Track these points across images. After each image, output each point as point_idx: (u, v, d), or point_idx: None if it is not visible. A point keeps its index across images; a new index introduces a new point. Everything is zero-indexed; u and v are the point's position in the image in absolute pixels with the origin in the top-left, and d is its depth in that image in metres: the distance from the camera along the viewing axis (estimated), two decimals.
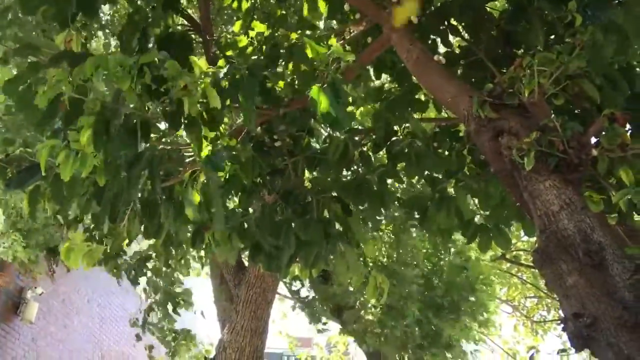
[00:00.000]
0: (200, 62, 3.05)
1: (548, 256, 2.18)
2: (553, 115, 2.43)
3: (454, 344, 9.44)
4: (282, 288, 10.15)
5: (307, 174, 4.63)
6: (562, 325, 2.24)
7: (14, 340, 8.66)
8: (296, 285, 9.93)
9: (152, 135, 3.47)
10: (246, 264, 7.34)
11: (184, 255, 6.85)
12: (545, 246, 2.20)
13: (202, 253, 7.09)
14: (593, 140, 2.42)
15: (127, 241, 4.24)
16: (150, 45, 3.43)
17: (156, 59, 2.93)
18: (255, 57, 3.89)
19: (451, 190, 4.33)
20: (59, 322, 9.88)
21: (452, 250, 9.39)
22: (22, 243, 7.20)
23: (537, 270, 9.19)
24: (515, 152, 2.33)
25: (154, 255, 7.32)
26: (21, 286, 8.65)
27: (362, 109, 4.34)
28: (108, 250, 4.10)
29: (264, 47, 3.85)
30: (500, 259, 8.97)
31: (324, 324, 10.59)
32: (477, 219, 4.40)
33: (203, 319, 10.27)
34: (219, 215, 3.18)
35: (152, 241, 6.88)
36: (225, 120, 4.30)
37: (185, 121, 3.01)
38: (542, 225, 2.23)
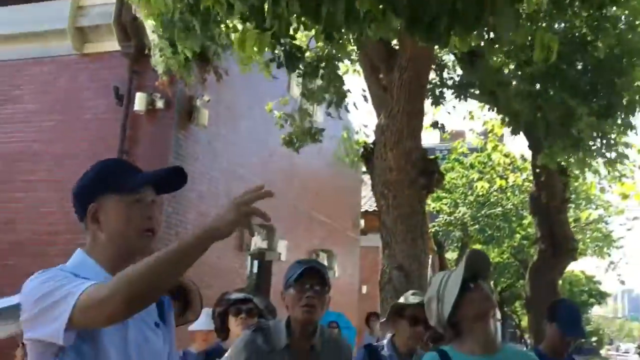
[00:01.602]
0: None
1: None
2: None
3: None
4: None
5: None
6: None
7: (192, 144, 9.69)
8: (448, 72, 9.70)
9: None
10: (396, 49, 7.23)
11: (341, 37, 6.84)
12: None
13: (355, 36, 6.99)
14: None
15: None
16: None
17: None
18: None
19: None
20: (228, 126, 10.76)
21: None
22: (169, 49, 7.24)
23: None
24: None
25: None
26: (189, 94, 9.40)
27: None
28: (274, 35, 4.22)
29: None
30: None
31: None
32: None
33: (356, 111, 10.55)
34: None
35: None
36: None
37: None
38: None
